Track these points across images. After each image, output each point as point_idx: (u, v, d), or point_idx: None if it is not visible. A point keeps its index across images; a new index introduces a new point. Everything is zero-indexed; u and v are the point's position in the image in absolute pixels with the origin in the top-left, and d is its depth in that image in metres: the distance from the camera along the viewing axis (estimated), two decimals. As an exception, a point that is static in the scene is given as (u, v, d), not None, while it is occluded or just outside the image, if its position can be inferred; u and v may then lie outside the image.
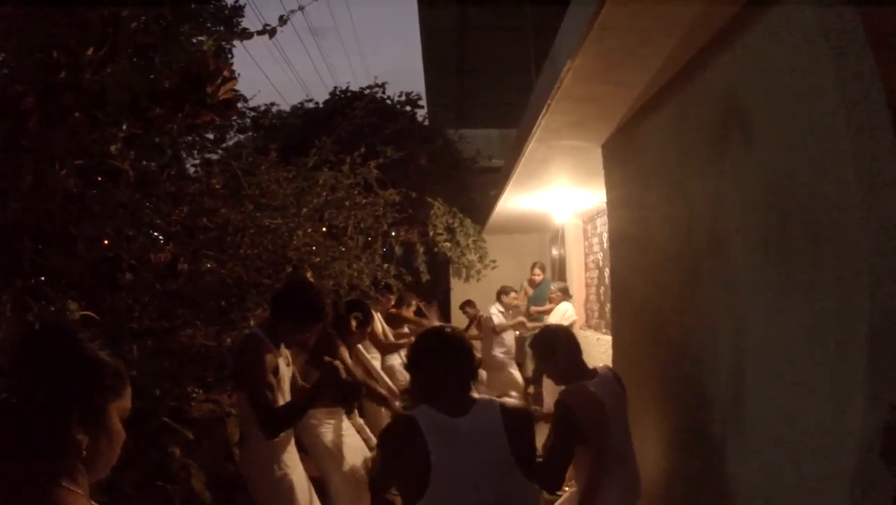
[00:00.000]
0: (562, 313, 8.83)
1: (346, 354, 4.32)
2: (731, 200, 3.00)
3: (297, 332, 3.28)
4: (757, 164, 2.73)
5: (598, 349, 8.82)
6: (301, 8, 3.25)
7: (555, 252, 12.39)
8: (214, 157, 4.01)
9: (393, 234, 7.96)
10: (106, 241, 3.09)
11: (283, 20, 3.09)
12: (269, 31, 3.07)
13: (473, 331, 10.21)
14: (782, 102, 2.51)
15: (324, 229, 4.96)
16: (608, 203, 5.35)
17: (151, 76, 3.32)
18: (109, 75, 3.23)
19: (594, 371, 3.30)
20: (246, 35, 3.11)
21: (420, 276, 10.26)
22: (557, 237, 11.58)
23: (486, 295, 10.85)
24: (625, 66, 3.60)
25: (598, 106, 4.35)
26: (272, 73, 18.57)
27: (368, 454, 4.44)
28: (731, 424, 3.03)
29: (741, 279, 2.92)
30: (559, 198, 8.40)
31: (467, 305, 10.50)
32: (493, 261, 11.72)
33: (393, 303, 7.78)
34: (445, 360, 2.44)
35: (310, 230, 4.58)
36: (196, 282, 3.47)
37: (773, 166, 2.59)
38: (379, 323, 6.55)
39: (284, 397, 3.22)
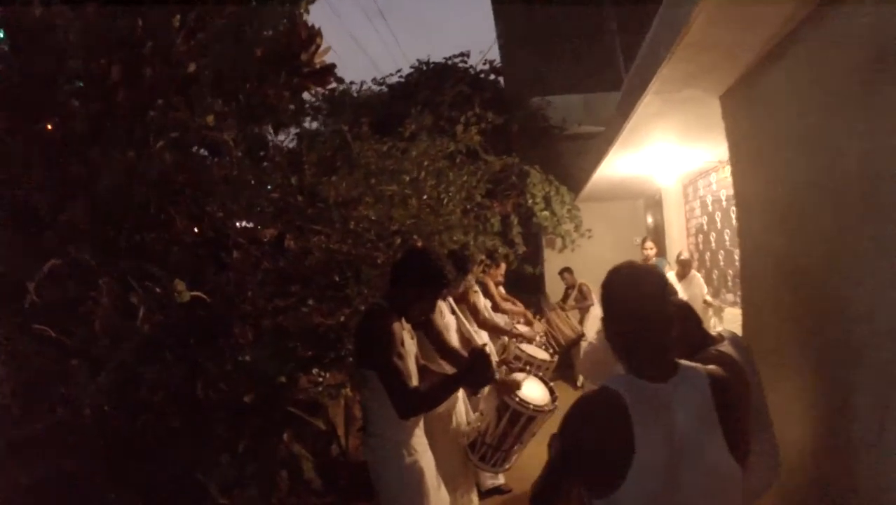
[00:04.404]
0: (700, 282, 8.31)
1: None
2: (887, 150, 2.65)
3: (420, 300, 3.07)
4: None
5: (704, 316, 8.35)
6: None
7: (650, 219, 11.91)
8: (318, 126, 3.76)
9: (489, 205, 7.57)
10: (206, 220, 2.88)
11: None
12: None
13: (571, 301, 9.81)
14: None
15: (425, 198, 4.64)
16: (731, 160, 4.94)
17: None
18: (199, 43, 3.07)
19: (720, 336, 2.98)
20: None
21: (516, 248, 9.85)
22: (654, 203, 11.06)
23: (581, 265, 10.47)
24: (761, 3, 3.26)
25: (723, 52, 3.98)
26: (341, 55, 18.49)
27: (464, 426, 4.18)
28: (882, 394, 2.73)
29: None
30: (664, 159, 7.94)
31: (566, 270, 10.10)
32: (589, 230, 11.25)
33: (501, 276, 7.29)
34: (642, 309, 1.89)
35: (414, 201, 4.29)
36: (304, 258, 3.23)
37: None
38: (488, 293, 6.14)
39: (411, 376, 2.95)
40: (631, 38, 7.85)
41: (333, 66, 3.62)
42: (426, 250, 3.32)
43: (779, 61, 3.80)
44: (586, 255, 11.09)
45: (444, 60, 12.03)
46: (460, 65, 11.88)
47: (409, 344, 3.03)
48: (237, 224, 3.08)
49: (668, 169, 8.60)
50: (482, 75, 12.25)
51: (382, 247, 3.74)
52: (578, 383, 8.83)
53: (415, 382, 2.99)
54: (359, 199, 3.62)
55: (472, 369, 2.89)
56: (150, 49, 2.85)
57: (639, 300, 1.90)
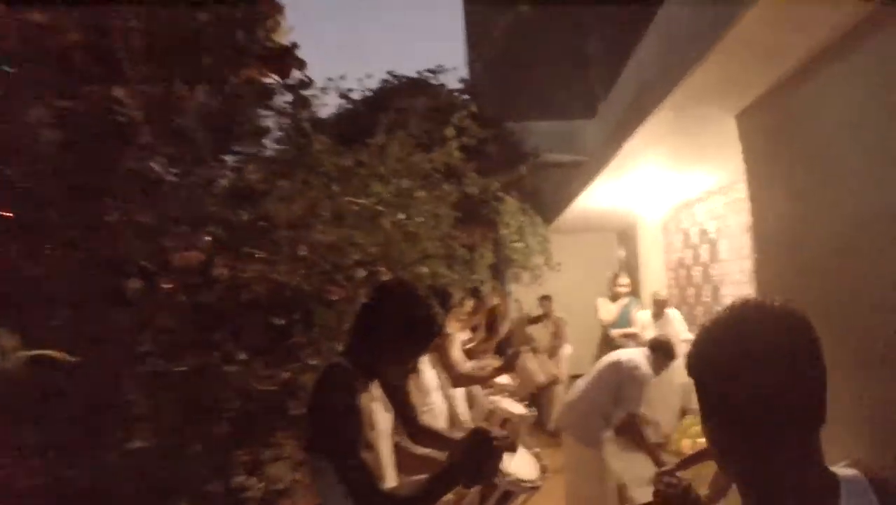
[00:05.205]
0: (677, 321, 7.45)
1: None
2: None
3: (400, 356, 2.16)
4: None
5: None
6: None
7: (621, 252, 11.34)
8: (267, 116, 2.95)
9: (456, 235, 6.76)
10: (105, 232, 2.04)
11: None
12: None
13: (544, 330, 9.07)
14: None
15: (403, 217, 3.77)
16: (750, 185, 4.38)
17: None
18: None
19: None
20: None
21: (483, 283, 9.04)
22: (627, 236, 10.51)
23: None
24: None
25: (758, 60, 3.48)
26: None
27: None
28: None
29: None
30: (651, 188, 7.39)
31: (546, 298, 9.43)
32: (559, 263, 10.56)
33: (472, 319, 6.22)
34: (775, 391, 1.01)
35: (387, 221, 3.44)
36: (238, 293, 2.34)
37: None
38: (458, 343, 5.10)
39: (383, 470, 2.08)
40: (610, 68, 7.35)
41: (294, 46, 3.03)
42: (409, 286, 2.29)
43: (819, 72, 3.40)
44: (554, 289, 10.42)
45: (416, 74, 11.32)
46: (432, 81, 11.18)
47: (382, 420, 2.12)
48: (155, 242, 2.21)
49: (653, 199, 8.05)
50: (456, 94, 11.57)
51: (340, 280, 2.85)
52: (551, 427, 7.98)
53: (390, 476, 2.13)
54: (315, 216, 2.71)
55: (471, 460, 1.94)
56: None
57: (785, 374, 1.02)
